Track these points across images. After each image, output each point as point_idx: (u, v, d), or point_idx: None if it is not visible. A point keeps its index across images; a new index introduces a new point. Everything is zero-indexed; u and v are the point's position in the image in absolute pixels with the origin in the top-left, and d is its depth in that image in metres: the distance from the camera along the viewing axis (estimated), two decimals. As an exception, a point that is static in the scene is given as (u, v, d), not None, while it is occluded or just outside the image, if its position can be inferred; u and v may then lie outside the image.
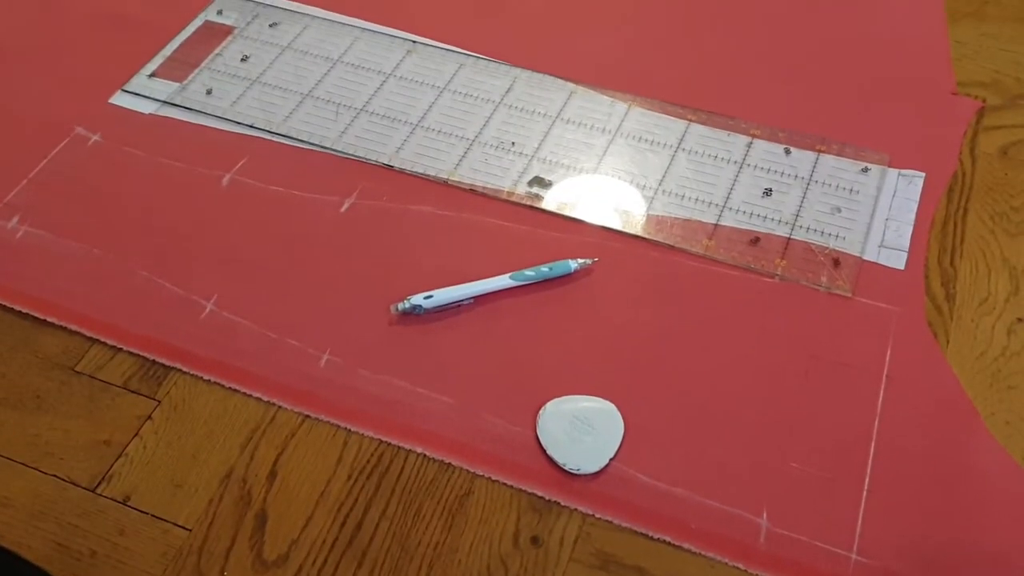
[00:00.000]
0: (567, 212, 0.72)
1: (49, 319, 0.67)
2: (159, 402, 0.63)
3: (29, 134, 0.79)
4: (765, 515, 0.56)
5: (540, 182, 0.74)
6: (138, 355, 0.65)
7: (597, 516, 0.57)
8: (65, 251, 0.71)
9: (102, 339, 0.66)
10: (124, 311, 0.67)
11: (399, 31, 0.86)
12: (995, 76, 0.80)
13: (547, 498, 0.58)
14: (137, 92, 0.82)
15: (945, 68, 0.81)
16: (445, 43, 0.85)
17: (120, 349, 0.65)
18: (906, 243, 0.69)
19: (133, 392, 0.63)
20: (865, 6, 0.87)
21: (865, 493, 0.57)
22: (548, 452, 0.59)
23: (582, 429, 0.60)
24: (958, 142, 0.76)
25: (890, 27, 0.85)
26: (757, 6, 0.87)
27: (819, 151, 0.75)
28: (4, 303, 0.68)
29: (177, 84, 0.82)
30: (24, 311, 0.67)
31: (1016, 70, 0.81)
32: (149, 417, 0.62)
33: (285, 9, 0.89)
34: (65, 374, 0.64)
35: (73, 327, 0.66)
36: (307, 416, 0.62)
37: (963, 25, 0.85)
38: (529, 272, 0.67)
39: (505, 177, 0.74)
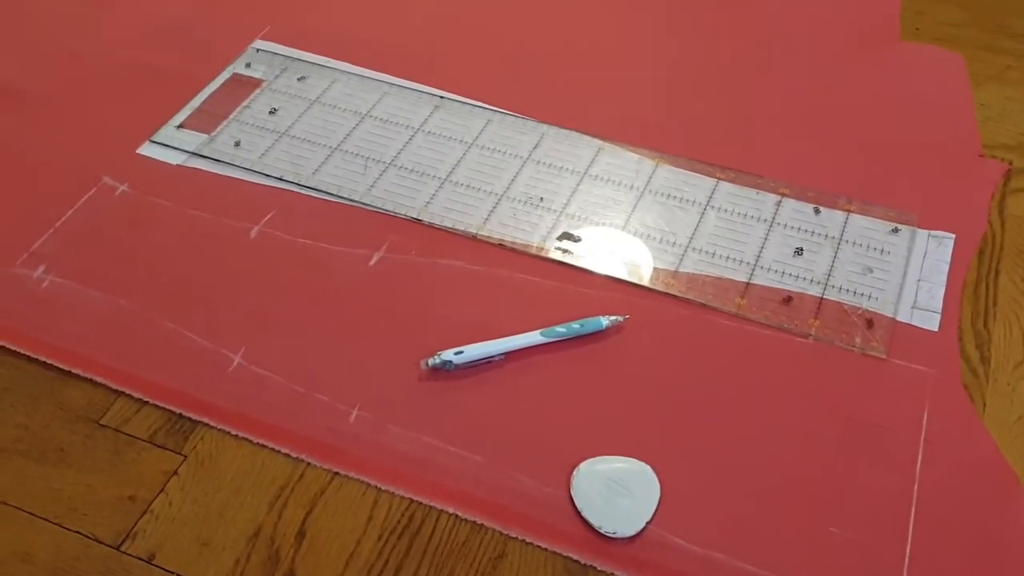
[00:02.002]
0: (596, 268, 0.72)
1: (74, 371, 0.66)
2: (185, 457, 0.61)
3: (56, 183, 0.79)
4: (806, 582, 0.55)
5: (569, 237, 0.74)
6: (164, 408, 0.64)
7: (634, 581, 0.55)
8: (91, 302, 0.70)
9: (127, 392, 0.65)
10: (150, 363, 0.66)
11: (426, 87, 0.87)
12: (1021, 139, 0.81)
13: (583, 562, 0.56)
14: (165, 143, 0.82)
15: (971, 130, 0.82)
16: (472, 99, 0.85)
17: (146, 402, 0.64)
18: (939, 305, 0.69)
19: (159, 447, 0.62)
20: (890, 69, 0.87)
21: (907, 560, 0.56)
22: (583, 514, 0.58)
23: (617, 491, 0.59)
24: (987, 204, 0.76)
25: (915, 89, 0.85)
26: (783, 66, 0.88)
27: (848, 211, 0.75)
28: (28, 353, 0.67)
29: (205, 136, 0.83)
30: (48, 362, 0.66)
31: (1042, 133, 0.81)
32: (175, 472, 0.61)
33: (313, 63, 0.89)
34: (89, 427, 0.63)
35: (98, 379, 0.65)
36: (336, 473, 0.60)
37: (986, 88, 0.85)
38: (560, 329, 0.67)
39: (534, 232, 0.74)
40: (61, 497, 0.60)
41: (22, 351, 0.67)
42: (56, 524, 0.58)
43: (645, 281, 0.71)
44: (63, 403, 0.64)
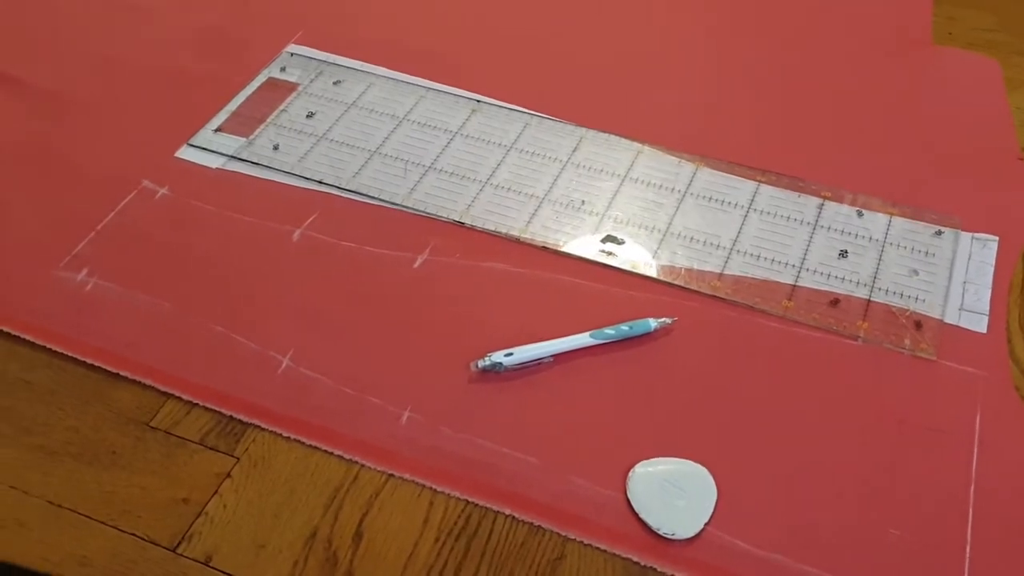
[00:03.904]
0: (641, 271, 0.72)
1: (122, 373, 0.66)
2: (238, 459, 0.61)
3: (95, 187, 0.79)
4: (868, 583, 0.55)
5: (613, 240, 0.74)
6: (214, 411, 0.64)
7: (695, 583, 0.55)
8: (135, 304, 0.70)
9: (177, 394, 0.65)
10: (198, 366, 0.66)
11: (462, 90, 0.87)
12: (1059, 143, 0.81)
13: (643, 564, 0.56)
14: (203, 147, 0.82)
15: (1008, 134, 0.82)
16: (508, 102, 0.85)
17: (195, 404, 0.64)
18: (986, 306, 0.69)
19: (210, 449, 0.62)
20: (926, 73, 0.88)
21: (968, 560, 0.56)
22: (641, 516, 0.58)
23: (674, 493, 0.59)
24: (1028, 207, 0.76)
25: (951, 93, 0.86)
26: (817, 70, 0.88)
27: (891, 214, 0.75)
28: (75, 356, 0.67)
29: (243, 139, 0.83)
30: (96, 364, 0.66)
31: (1079, 137, 0.81)
32: (228, 475, 0.60)
33: (348, 68, 0.90)
34: (140, 429, 0.63)
35: (147, 381, 0.65)
36: (391, 475, 0.60)
37: (1022, 93, 0.85)
38: (609, 331, 0.67)
39: (577, 235, 0.74)
40: (115, 499, 0.59)
41: (69, 353, 0.67)
42: (111, 527, 0.58)
43: (691, 284, 0.71)
44: (112, 405, 0.64)
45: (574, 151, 0.81)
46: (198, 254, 0.74)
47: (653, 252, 0.73)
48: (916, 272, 0.71)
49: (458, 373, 0.65)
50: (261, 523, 0.58)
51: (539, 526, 0.58)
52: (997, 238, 0.73)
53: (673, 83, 0.88)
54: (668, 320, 0.67)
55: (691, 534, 0.57)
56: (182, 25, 0.94)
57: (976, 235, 0.73)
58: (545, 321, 0.68)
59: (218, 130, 0.84)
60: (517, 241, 0.74)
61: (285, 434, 0.62)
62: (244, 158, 0.81)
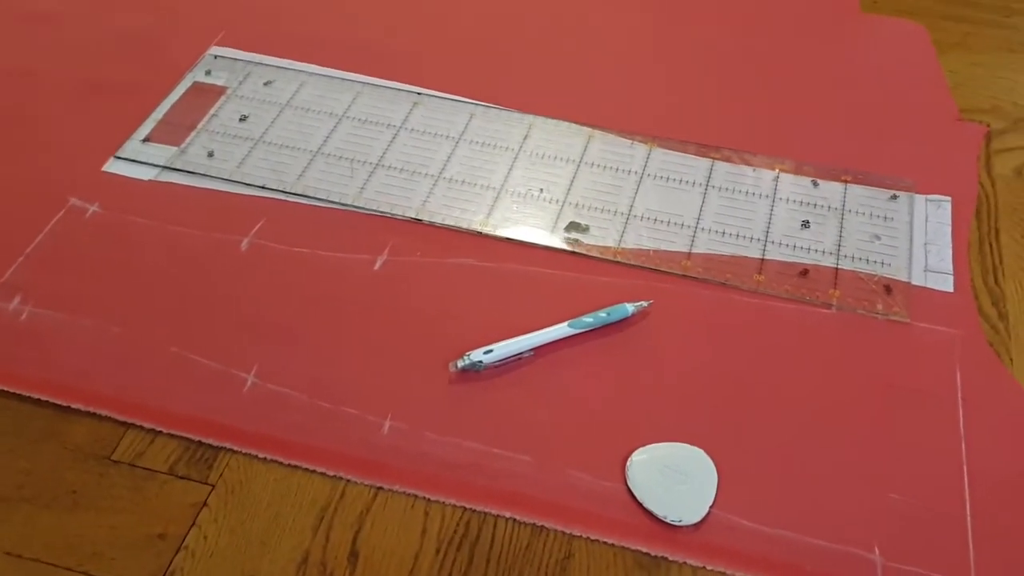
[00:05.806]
0: (609, 256, 0.70)
1: (73, 406, 0.61)
2: (213, 486, 0.57)
3: (19, 209, 0.73)
4: (877, 550, 0.55)
5: (577, 227, 0.72)
6: (181, 437, 0.59)
7: (708, 568, 0.54)
8: (79, 330, 0.65)
9: (136, 423, 0.60)
10: (156, 390, 0.62)
11: (401, 84, 0.84)
12: (993, 102, 0.83)
13: (652, 554, 0.54)
14: (132, 158, 0.77)
15: (944, 96, 0.83)
16: (451, 93, 0.83)
17: (159, 432, 0.60)
18: (949, 266, 0.69)
19: (182, 478, 0.58)
20: (857, 42, 0.89)
21: (969, 518, 0.56)
22: (645, 505, 0.56)
23: (675, 478, 0.57)
24: (974, 165, 0.77)
25: (885, 60, 0.87)
26: (753, 45, 0.88)
27: (845, 181, 0.75)
28: (19, 391, 0.61)
29: (175, 148, 0.78)
30: (43, 399, 0.61)
31: (1012, 95, 0.83)
32: (204, 504, 0.56)
33: (277, 67, 0.85)
34: (101, 464, 0.58)
35: (102, 412, 0.61)
36: (380, 488, 0.57)
37: (952, 56, 0.87)
38: (587, 319, 0.65)
39: (540, 224, 0.72)
40: (83, 543, 0.55)
41: (11, 390, 0.62)
42: (82, 573, 0.53)
43: (661, 265, 0.69)
44: (67, 442, 0.59)
45: (525, 139, 0.79)
46: (141, 272, 0.69)
47: (619, 236, 0.71)
48: (878, 237, 0.71)
49: (436, 375, 0.63)
50: (247, 552, 0.54)
51: (542, 526, 0.56)
52: (950, 198, 0.74)
53: (615, 66, 0.86)
54: (644, 303, 0.66)
55: (698, 518, 0.56)
56: (96, 32, 0.88)
57: (930, 197, 0.74)
58: (519, 314, 0.66)
59: (146, 140, 0.79)
60: (479, 235, 0.72)
61: (261, 455, 0.59)
62: (178, 167, 0.76)
